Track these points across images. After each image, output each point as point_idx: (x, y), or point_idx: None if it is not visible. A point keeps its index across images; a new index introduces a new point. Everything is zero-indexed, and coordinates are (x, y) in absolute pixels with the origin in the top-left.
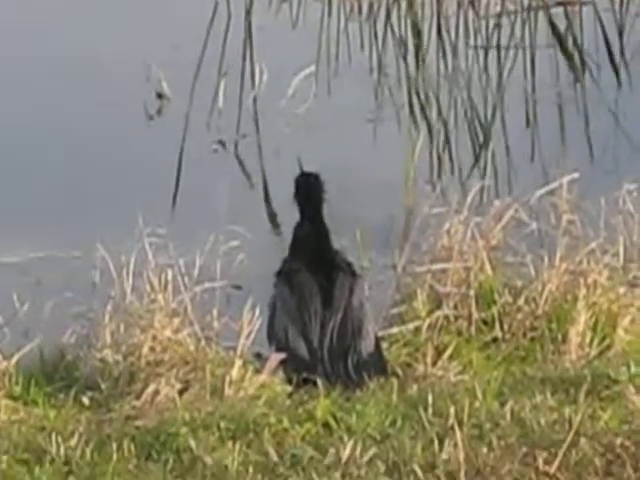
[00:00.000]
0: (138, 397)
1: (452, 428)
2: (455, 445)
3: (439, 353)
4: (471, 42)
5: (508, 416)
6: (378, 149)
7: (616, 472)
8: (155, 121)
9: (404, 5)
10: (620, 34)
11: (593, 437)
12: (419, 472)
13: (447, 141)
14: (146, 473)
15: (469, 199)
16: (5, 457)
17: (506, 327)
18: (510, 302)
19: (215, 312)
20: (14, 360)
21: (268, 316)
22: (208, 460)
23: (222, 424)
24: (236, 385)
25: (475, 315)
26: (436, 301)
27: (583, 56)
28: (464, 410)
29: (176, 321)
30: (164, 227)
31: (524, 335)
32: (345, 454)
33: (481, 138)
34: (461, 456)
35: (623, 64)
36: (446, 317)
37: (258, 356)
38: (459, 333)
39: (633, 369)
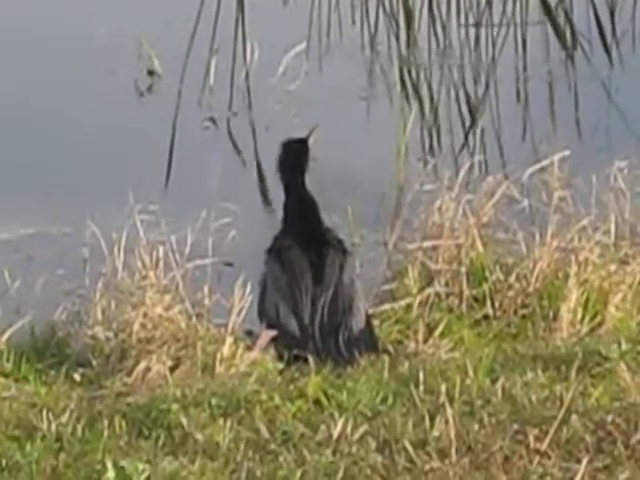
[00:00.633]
0: (129, 374)
1: (443, 405)
2: (446, 422)
3: (430, 330)
4: (462, 19)
5: (499, 393)
6: (370, 126)
7: (607, 449)
8: (146, 98)
9: None
10: (611, 12)
11: (584, 414)
12: (410, 449)
13: (438, 118)
14: (137, 450)
15: (460, 176)
16: None
17: (497, 304)
18: (501, 279)
19: (206, 289)
20: (5, 337)
21: (259, 293)
22: (199, 437)
23: (213, 401)
24: (227, 362)
25: (466, 292)
26: (427, 278)
27: (574, 33)
28: (455, 387)
29: (167, 298)
30: (155, 204)
31: (515, 312)
32: (336, 431)
33: (472, 115)
34: (452, 433)
35: (614, 41)
36: (437, 294)
37: (249, 333)
38: (450, 310)
39: (624, 346)
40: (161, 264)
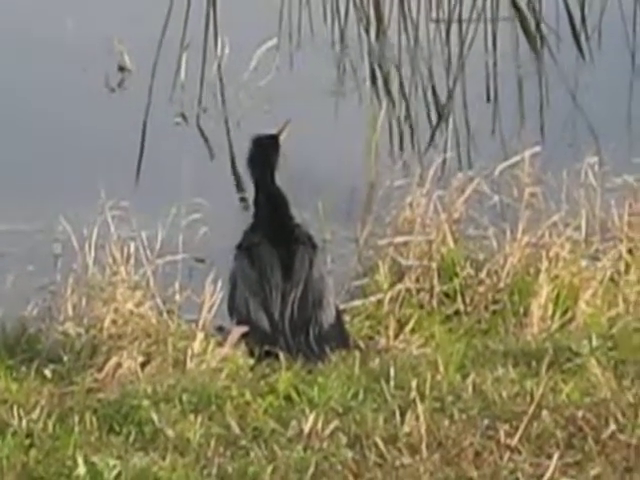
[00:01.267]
0: (100, 370)
1: (414, 401)
2: (417, 418)
3: (401, 326)
4: (432, 15)
5: (470, 389)
6: (340, 122)
7: (577, 445)
8: (117, 94)
9: None
10: (582, 7)
11: (555, 410)
12: (381, 444)
13: (409, 114)
14: (108, 446)
15: (431, 172)
16: None
17: (468, 300)
18: (472, 275)
19: (177, 285)
20: None
21: (229, 289)
22: (170, 433)
23: (184, 397)
24: (198, 358)
25: (437, 288)
26: (398, 274)
27: (541, 30)
28: (426, 383)
29: (138, 294)
30: (126, 200)
31: (486, 308)
32: (307, 427)
33: (442, 111)
34: (423, 429)
35: (584, 37)
36: (408, 290)
37: (220, 329)
38: (421, 306)
39: (595, 342)
40: (132, 260)
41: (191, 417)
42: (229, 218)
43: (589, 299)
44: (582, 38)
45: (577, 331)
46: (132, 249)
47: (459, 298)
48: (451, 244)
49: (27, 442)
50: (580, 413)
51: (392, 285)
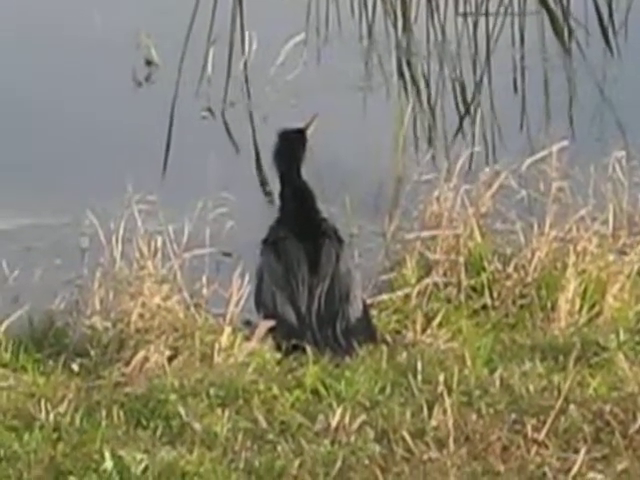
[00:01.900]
0: (127, 364)
1: (441, 395)
2: (444, 412)
3: (428, 320)
4: (460, 9)
5: (497, 383)
6: (367, 116)
7: (605, 439)
8: (144, 88)
9: None
10: (609, 1)
11: (582, 404)
12: (408, 439)
13: (436, 109)
14: (135, 440)
15: (458, 166)
16: None
17: (495, 294)
18: (499, 269)
19: (204, 279)
20: (3, 327)
21: (255, 284)
22: (197, 427)
23: (211, 391)
24: (225, 352)
25: (464, 282)
26: (425, 268)
27: (569, 24)
28: (453, 377)
29: (165, 288)
30: (153, 194)
31: (513, 302)
32: (334, 421)
33: (470, 105)
34: (450, 423)
35: (612, 31)
36: (435, 284)
37: (247, 323)
38: (448, 300)
39: (622, 336)
40: (159, 254)
41: (218, 411)
42: (256, 212)
43: (616, 293)
44: (610, 32)
45: (604, 325)
46: (159, 243)
47: (486, 292)
48: (478, 238)
49: (54, 436)
50: (607, 407)
51: (419, 279)
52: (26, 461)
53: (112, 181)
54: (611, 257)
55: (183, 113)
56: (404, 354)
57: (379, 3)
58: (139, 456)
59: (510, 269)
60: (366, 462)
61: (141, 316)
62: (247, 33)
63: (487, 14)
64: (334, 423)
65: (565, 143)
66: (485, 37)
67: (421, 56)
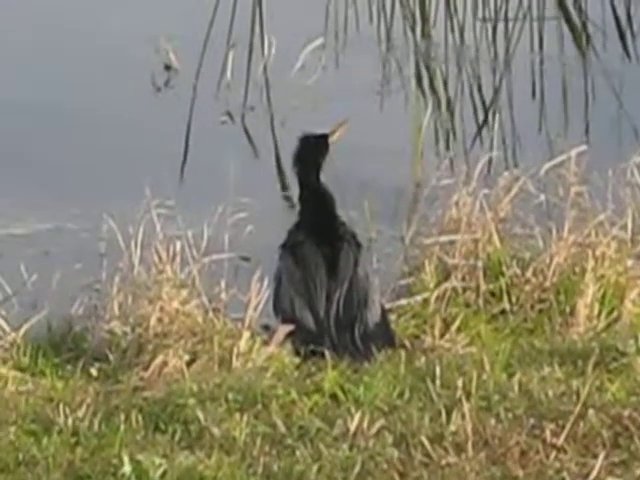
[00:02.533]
0: (146, 368)
1: (460, 400)
2: (463, 417)
3: (447, 325)
4: (479, 14)
5: (516, 388)
6: (386, 121)
7: (623, 444)
8: (163, 93)
9: None
10: (627, 6)
11: (601, 409)
12: (427, 443)
13: (454, 113)
14: (154, 444)
15: (477, 171)
16: (13, 428)
17: (514, 299)
18: (518, 274)
19: (223, 283)
20: (22, 331)
21: (273, 288)
22: (216, 431)
23: (230, 395)
24: (244, 357)
25: (483, 287)
26: (444, 273)
27: (587, 29)
28: (472, 382)
29: (184, 292)
30: (172, 198)
31: (532, 307)
32: (353, 426)
33: (488, 110)
34: (469, 428)
35: (630, 36)
36: (454, 289)
37: (266, 328)
38: (467, 305)
39: None
40: (178, 259)
41: (237, 416)
42: (275, 217)
43: (635, 298)
44: (628, 37)
45: (623, 330)
46: (178, 248)
47: (505, 297)
48: (497, 243)
49: (73, 440)
50: (626, 412)
51: (438, 284)
52: (45, 465)
53: (131, 186)
54: (630, 262)
55: (202, 118)
56: (422, 359)
57: (398, 7)
58: (157, 460)
59: (529, 274)
60: (384, 467)
61: (160, 320)
62: (266, 37)
63: (506, 19)
64: (353, 428)
65: (584, 148)
66: (504, 42)
67: (440, 61)
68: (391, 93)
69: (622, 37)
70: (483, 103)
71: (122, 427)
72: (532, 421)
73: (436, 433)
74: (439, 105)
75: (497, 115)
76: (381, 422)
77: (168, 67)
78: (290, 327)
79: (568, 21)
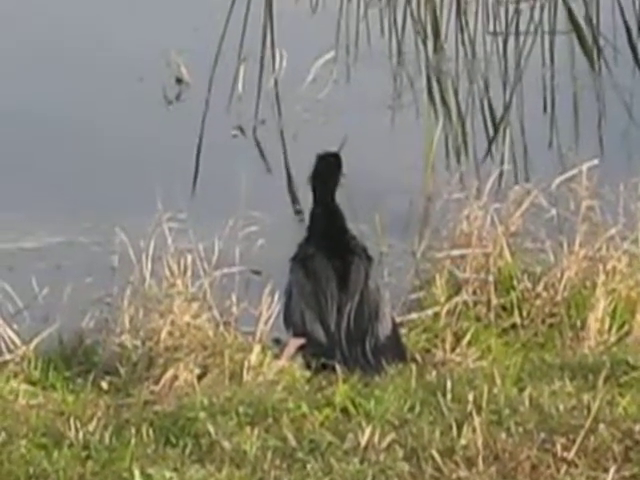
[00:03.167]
0: (157, 382)
1: (471, 414)
2: (474, 431)
3: (458, 339)
4: (490, 27)
5: (527, 402)
6: (397, 135)
7: (634, 458)
8: (174, 106)
9: None
10: (639, 20)
11: (611, 423)
12: (437, 458)
13: (465, 127)
14: (164, 458)
15: (488, 185)
16: (24, 442)
17: (525, 313)
18: (529, 288)
19: (234, 297)
20: (33, 345)
21: (284, 301)
22: (226, 445)
23: (241, 409)
24: (255, 370)
25: (494, 301)
26: (455, 287)
27: (598, 43)
28: (483, 396)
29: (195, 306)
30: (183, 212)
31: (543, 321)
32: (364, 440)
33: (499, 124)
34: (479, 442)
35: None
36: (465, 303)
37: (277, 341)
38: (478, 319)
39: None
40: (189, 272)
41: (247, 429)
42: (286, 230)
43: None
44: (639, 51)
45: (634, 344)
46: (189, 261)
47: (516, 311)
48: (508, 257)
49: (84, 454)
50: (637, 427)
51: (449, 298)
52: (55, 479)
53: (142, 199)
54: None
55: (213, 131)
56: (433, 373)
57: (409, 21)
58: (168, 474)
59: (540, 288)
60: None
61: (170, 334)
62: (277, 51)
63: (517, 33)
64: (363, 442)
65: (595, 162)
66: (515, 56)
67: (451, 74)
68: (402, 107)
69: (633, 49)
70: (494, 117)
71: (133, 441)
72: (543, 435)
73: (447, 447)
74: (450, 119)
75: (508, 129)
76: (392, 436)
77: (179, 80)
78: (301, 341)
79: (579, 35)
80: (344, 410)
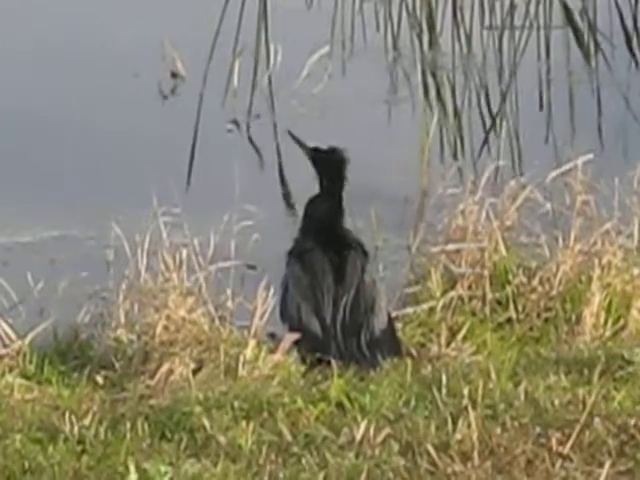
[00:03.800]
0: (152, 376)
1: (466, 408)
2: (469, 425)
3: (453, 333)
4: (486, 22)
5: (522, 396)
6: (393, 130)
7: (629, 452)
8: (169, 100)
9: None
10: (634, 15)
11: (607, 418)
12: (432, 452)
13: (461, 122)
14: (159, 452)
15: (483, 180)
16: (19, 436)
17: (520, 308)
18: (524, 283)
19: (229, 292)
20: (28, 339)
21: (280, 295)
22: (222, 439)
23: (236, 404)
24: (250, 365)
25: (489, 296)
26: (450, 281)
27: (594, 37)
28: (478, 390)
29: (190, 300)
30: (178, 206)
31: (538, 316)
32: (359, 434)
33: (495, 119)
34: (475, 436)
35: (637, 44)
36: (460, 297)
37: (272, 336)
38: (473, 313)
39: None
40: (184, 266)
41: (243, 424)
42: (281, 225)
43: None
44: (635, 45)
45: (629, 339)
46: (184, 256)
47: (511, 306)
48: (503, 252)
49: (79, 448)
50: (632, 421)
51: (444, 293)
52: (50, 474)
53: (137, 194)
54: (636, 271)
55: (208, 125)
56: (429, 367)
57: (404, 16)
58: (163, 468)
59: (535, 282)
60: (390, 475)
61: (166, 329)
62: (272, 46)
63: (512, 27)
64: (358, 436)
65: (590, 156)
66: (511, 50)
67: (446, 69)
68: (398, 102)
69: (629, 43)
70: (490, 112)
71: (128, 435)
72: (538, 430)
73: (442, 441)
74: (446, 114)
75: (504, 124)
76: (387, 430)
77: (175, 75)
78: (296, 335)
79: (575, 30)
80: (339, 404)
